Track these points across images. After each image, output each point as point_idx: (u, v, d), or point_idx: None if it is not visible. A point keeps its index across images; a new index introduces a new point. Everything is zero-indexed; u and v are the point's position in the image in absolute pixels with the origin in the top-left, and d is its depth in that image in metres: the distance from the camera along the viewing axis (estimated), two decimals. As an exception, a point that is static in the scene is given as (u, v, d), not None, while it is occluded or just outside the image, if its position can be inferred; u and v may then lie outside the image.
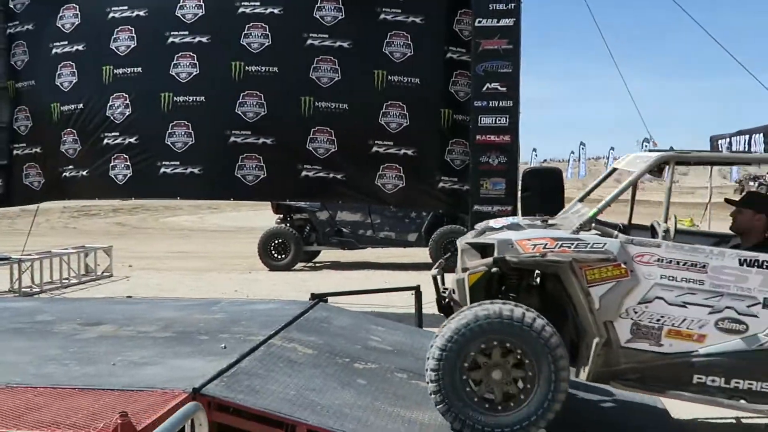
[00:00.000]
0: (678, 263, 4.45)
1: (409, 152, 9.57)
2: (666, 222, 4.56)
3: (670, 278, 4.44)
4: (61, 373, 4.60)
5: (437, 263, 5.64)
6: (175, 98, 9.61)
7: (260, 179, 9.56)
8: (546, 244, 4.52)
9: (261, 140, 9.54)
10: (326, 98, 9.52)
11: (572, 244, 4.49)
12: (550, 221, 5.20)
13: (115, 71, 9.89)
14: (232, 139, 9.51)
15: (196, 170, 9.55)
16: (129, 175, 9.74)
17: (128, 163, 9.72)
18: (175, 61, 9.68)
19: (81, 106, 10.01)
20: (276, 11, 9.57)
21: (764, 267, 4.42)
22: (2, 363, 4.84)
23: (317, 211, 15.35)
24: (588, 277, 4.44)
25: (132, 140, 9.72)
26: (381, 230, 15.36)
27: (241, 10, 9.58)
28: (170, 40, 9.71)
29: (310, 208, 15.32)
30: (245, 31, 9.57)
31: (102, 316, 6.27)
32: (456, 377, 4.37)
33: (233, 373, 4.58)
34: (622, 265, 4.44)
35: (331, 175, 9.64)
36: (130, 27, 9.90)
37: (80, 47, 10.10)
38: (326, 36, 9.54)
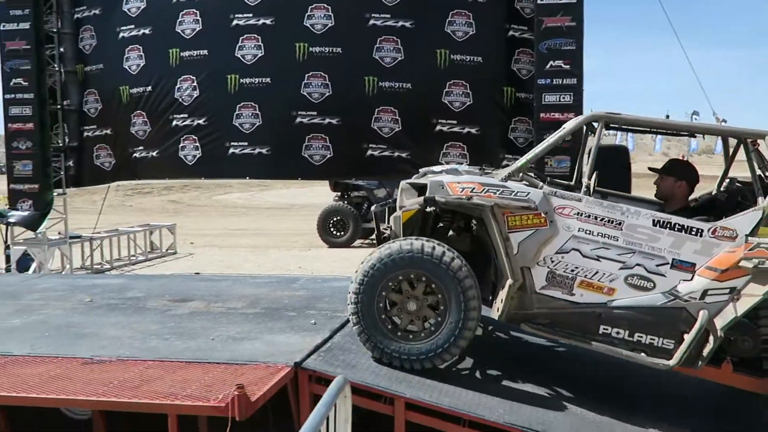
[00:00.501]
0: (596, 218, 4.60)
1: (473, 131, 9.65)
2: (589, 179, 4.67)
3: (587, 232, 4.60)
4: (164, 347, 4.85)
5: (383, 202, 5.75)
6: (241, 80, 9.81)
7: (326, 159, 9.74)
8: (473, 188, 4.69)
9: (327, 120, 9.70)
10: (390, 78, 9.63)
11: (498, 190, 4.65)
12: (487, 170, 5.40)
13: (181, 54, 10.11)
14: (299, 119, 9.69)
15: (264, 150, 9.78)
16: (198, 156, 10.00)
17: (197, 144, 9.98)
18: (240, 44, 9.86)
19: (149, 88, 10.26)
20: (339, -9, 9.68)
21: (676, 229, 4.54)
22: (106, 337, 5.11)
23: (375, 189, 15.50)
24: (509, 223, 4.62)
25: (200, 121, 9.96)
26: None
27: (303, -9, 9.71)
28: (235, 22, 9.88)
29: (367, 186, 15.47)
30: (308, 12, 9.69)
31: (188, 293, 6.52)
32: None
33: (328, 348, 4.79)
34: (542, 215, 4.60)
35: (396, 154, 9.78)
36: (194, 10, 10.10)
37: (147, 31, 10.33)
38: (388, 16, 9.61)
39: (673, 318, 4.52)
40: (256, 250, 14.69)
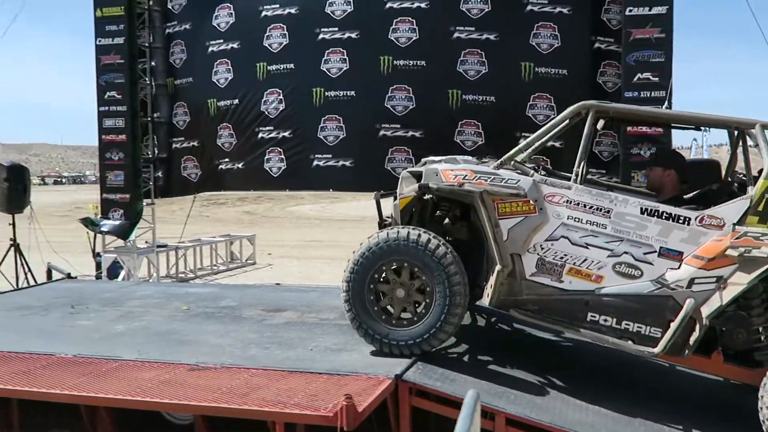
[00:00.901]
0: (585, 206, 4.66)
1: (557, 144, 9.53)
2: (578, 167, 4.74)
3: (576, 219, 4.67)
4: (264, 356, 4.94)
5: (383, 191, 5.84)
6: (326, 93, 9.97)
7: (409, 171, 9.80)
8: (465, 176, 4.82)
9: (410, 133, 9.78)
10: (474, 91, 9.64)
11: (489, 177, 4.78)
12: (485, 160, 5.49)
13: (268, 68, 10.35)
14: (382, 132, 9.80)
15: (347, 163, 9.91)
16: (283, 168, 10.20)
17: (282, 156, 10.19)
18: (325, 57, 10.04)
19: (236, 101, 10.54)
20: (423, 5, 9.75)
21: (663, 217, 4.56)
22: (207, 344, 5.24)
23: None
24: (499, 210, 4.73)
25: (286, 134, 10.16)
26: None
27: (389, 5, 9.81)
28: (321, 36, 10.07)
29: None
30: (393, 26, 9.81)
31: (281, 303, 6.64)
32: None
33: (425, 360, 4.78)
34: (531, 202, 4.70)
35: (479, 167, 9.76)
36: (282, 24, 10.33)
37: (235, 45, 10.62)
38: (473, 29, 9.64)
39: (660, 306, 4.53)
40: (332, 262, 14.79)
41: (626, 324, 4.60)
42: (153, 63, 11.61)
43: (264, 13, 10.41)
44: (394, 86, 9.78)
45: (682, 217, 4.55)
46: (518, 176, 4.79)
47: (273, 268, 14.07)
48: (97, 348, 5.16)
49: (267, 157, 10.28)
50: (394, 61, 9.80)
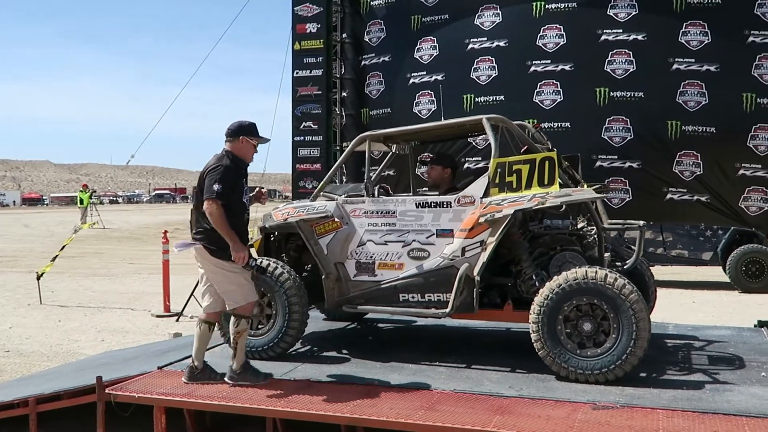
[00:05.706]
0: (377, 213, 5.65)
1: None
2: (365, 184, 5.72)
3: (374, 225, 5.66)
4: (645, 394, 4.95)
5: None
6: (540, 125, 10.04)
7: (625, 202, 9.85)
8: (288, 212, 5.99)
9: (627, 164, 9.81)
10: (693, 122, 9.63)
11: (304, 209, 5.89)
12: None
13: (476, 99, 10.52)
14: (599, 163, 9.84)
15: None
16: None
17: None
18: (538, 89, 10.16)
19: (440, 132, 10.70)
20: (639, 37, 9.82)
21: (432, 206, 5.48)
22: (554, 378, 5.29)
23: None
24: (317, 231, 5.82)
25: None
26: (673, 248, 15.10)
27: (603, 37, 9.91)
28: (533, 68, 10.20)
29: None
30: (609, 58, 9.88)
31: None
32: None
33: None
34: (336, 220, 5.72)
35: (696, 198, 9.75)
36: (490, 57, 10.50)
37: (439, 77, 10.82)
38: (692, 60, 9.65)
39: (447, 275, 5.42)
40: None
41: (428, 296, 5.52)
42: (344, 94, 11.94)
43: (471, 46, 10.61)
44: (611, 117, 9.84)
45: (445, 203, 5.45)
46: (326, 203, 5.82)
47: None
48: (461, 384, 5.25)
49: (476, 186, 10.40)
50: (611, 93, 9.86)
